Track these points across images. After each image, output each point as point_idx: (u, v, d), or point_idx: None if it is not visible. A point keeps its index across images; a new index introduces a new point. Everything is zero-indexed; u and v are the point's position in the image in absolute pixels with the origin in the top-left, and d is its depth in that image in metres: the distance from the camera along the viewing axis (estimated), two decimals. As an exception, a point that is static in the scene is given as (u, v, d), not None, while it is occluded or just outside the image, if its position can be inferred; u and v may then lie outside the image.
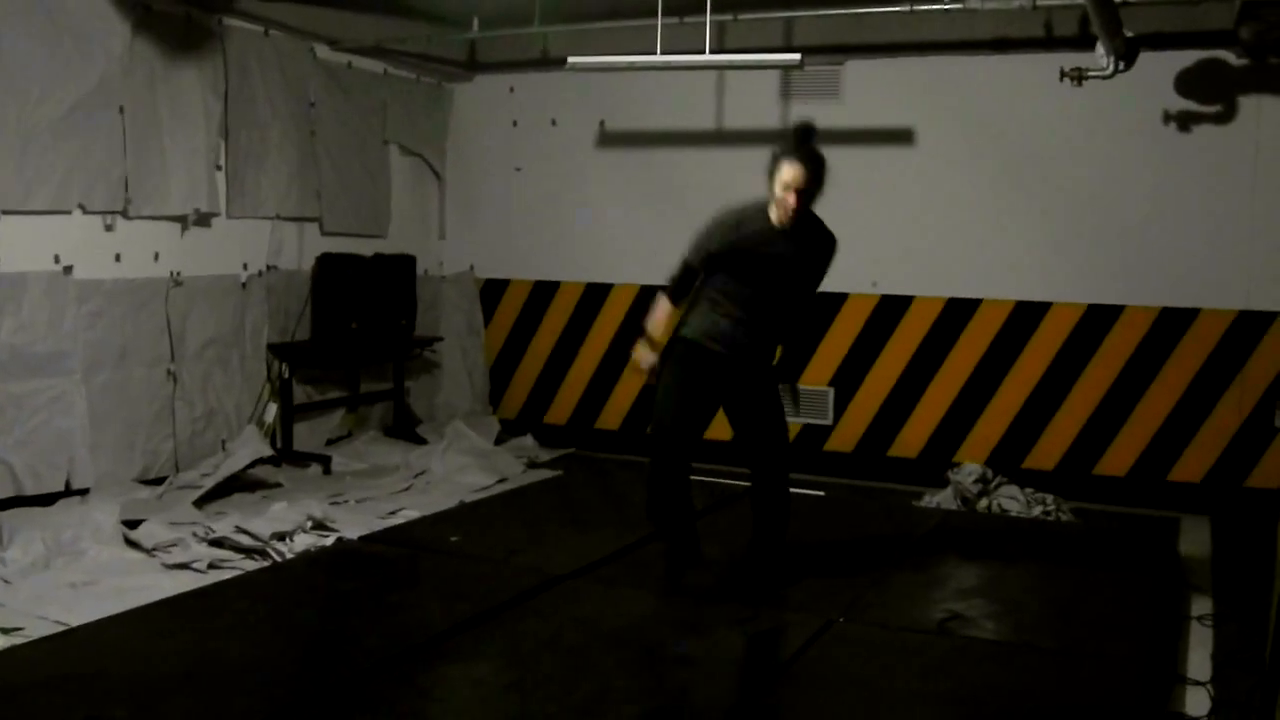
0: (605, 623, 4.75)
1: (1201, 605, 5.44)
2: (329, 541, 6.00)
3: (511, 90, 9.30)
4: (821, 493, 7.34)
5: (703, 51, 7.01)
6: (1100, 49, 6.79)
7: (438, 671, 4.21)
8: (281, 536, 5.95)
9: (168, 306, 7.15)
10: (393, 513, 6.81)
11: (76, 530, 5.77)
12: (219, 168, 7.48)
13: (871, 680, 4.22)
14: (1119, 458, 7.67)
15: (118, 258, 6.85)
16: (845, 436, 8.32)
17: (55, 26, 6.33)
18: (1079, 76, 7.01)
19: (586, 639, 4.54)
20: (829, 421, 8.33)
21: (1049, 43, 7.52)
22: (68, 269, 6.53)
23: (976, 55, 7.77)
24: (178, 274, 7.22)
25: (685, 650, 4.45)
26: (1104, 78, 6.97)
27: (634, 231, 8.80)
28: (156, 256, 7.11)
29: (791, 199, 4.85)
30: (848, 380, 8.30)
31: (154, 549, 5.76)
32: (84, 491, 6.54)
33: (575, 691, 3.99)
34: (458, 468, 7.87)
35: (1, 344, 6.17)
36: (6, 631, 4.65)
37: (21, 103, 6.18)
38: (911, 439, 8.14)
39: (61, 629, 4.63)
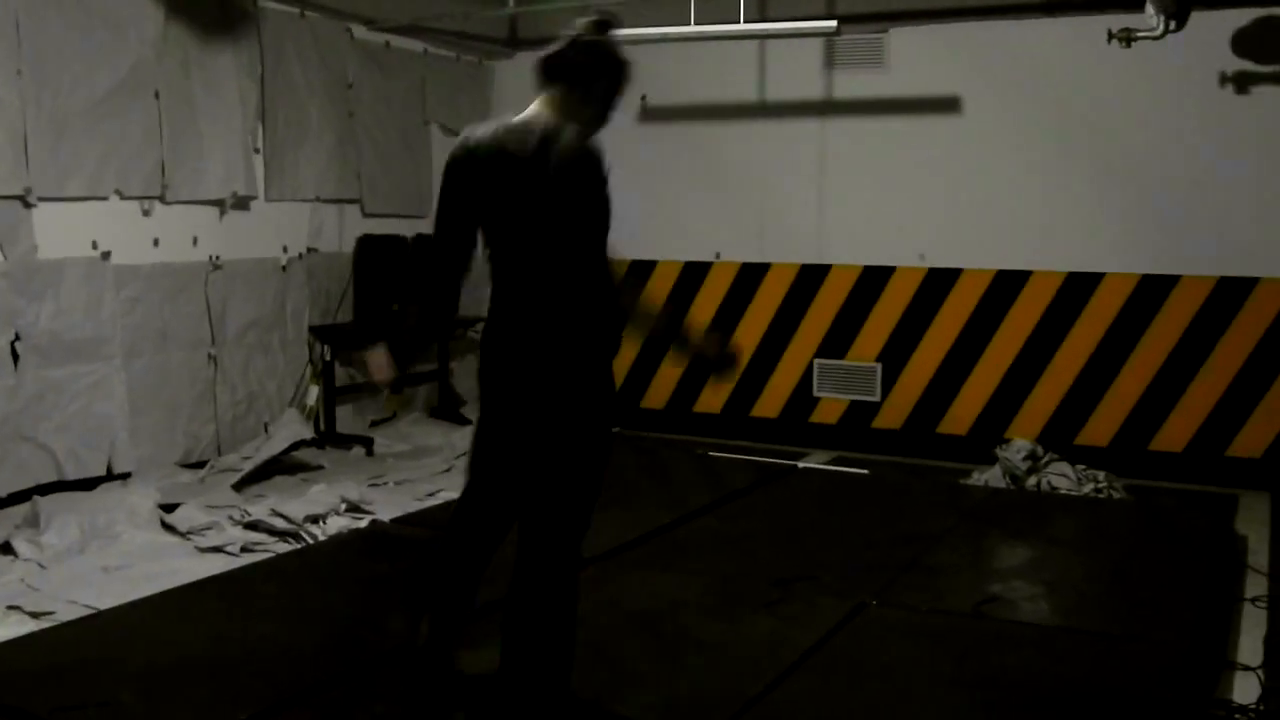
0: (630, 605, 4.64)
1: (1257, 586, 5.22)
2: (363, 523, 5.99)
3: (554, 67, 9.18)
4: (865, 471, 7.19)
5: (738, 22, 6.89)
6: (1149, 8, 6.57)
7: (455, 656, 4.14)
8: (315, 519, 5.95)
9: (207, 290, 7.17)
10: (431, 494, 6.78)
11: (113, 514, 5.79)
12: (256, 151, 7.48)
13: (899, 666, 4.09)
14: (1176, 433, 7.43)
15: (156, 243, 6.88)
16: (893, 413, 8.16)
17: (88, 13, 6.35)
18: (1127, 38, 6.78)
19: (609, 622, 4.44)
20: (877, 398, 8.18)
21: (1100, 3, 7.24)
22: (105, 255, 6.57)
23: (1024, 20, 7.53)
24: (216, 258, 7.24)
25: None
26: (1154, 38, 6.74)
27: (677, 206, 8.70)
28: (195, 241, 7.12)
29: None
30: (895, 356, 8.13)
31: (189, 532, 5.78)
32: (126, 476, 6.58)
33: (591, 677, 3.90)
34: (500, 449, 7.82)
35: (41, 330, 6.22)
36: (36, 616, 4.68)
37: (55, 90, 6.20)
38: (961, 415, 7.95)
39: (90, 613, 4.65)
